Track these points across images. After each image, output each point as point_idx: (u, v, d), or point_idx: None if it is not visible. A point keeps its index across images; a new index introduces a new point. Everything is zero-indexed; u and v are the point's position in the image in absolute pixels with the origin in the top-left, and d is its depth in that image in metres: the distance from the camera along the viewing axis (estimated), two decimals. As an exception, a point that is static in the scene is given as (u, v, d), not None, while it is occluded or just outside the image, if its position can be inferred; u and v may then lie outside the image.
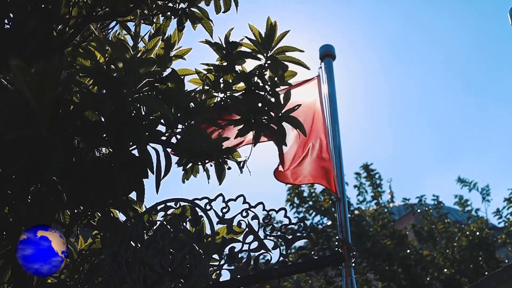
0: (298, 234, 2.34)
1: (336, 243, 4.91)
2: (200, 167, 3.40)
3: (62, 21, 3.14)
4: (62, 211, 2.85)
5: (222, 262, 2.41)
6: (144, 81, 2.50)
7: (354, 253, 4.79)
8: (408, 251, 12.44)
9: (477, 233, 12.10)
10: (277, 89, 3.28)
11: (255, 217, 2.44)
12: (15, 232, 2.63)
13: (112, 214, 2.74)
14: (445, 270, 11.98)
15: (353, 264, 4.72)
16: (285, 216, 2.39)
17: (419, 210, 14.01)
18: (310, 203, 13.67)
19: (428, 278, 12.28)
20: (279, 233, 2.39)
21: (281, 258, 2.33)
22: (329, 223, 13.20)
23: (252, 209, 2.46)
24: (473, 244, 11.95)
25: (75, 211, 2.72)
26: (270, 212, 2.49)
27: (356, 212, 13.53)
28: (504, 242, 12.39)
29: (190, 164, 3.38)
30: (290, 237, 2.35)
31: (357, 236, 12.74)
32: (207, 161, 3.40)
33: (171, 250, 2.42)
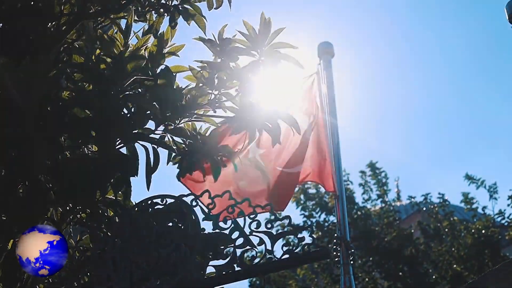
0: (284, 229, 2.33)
1: (335, 240, 4.94)
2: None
3: (53, 19, 3.14)
4: (54, 209, 2.86)
5: (208, 258, 2.40)
6: (133, 78, 2.50)
7: (352, 251, 4.81)
8: (414, 249, 12.39)
9: (483, 231, 12.05)
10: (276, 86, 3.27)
11: (241, 213, 2.43)
12: (5, 231, 2.63)
13: (100, 211, 2.73)
14: (455, 266, 11.93)
15: (352, 262, 4.75)
16: (271, 212, 2.38)
17: (424, 208, 13.96)
18: (317, 199, 13.66)
19: (434, 276, 12.25)
20: (264, 229, 2.38)
21: (267, 254, 2.32)
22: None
23: (238, 205, 2.45)
24: (479, 242, 11.90)
25: (67, 208, 2.72)
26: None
27: (362, 210, 13.47)
28: (511, 239, 12.36)
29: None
30: (275, 233, 2.34)
31: (362, 235, 12.73)
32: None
33: (157, 247, 2.41)
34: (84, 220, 2.75)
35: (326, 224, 13.54)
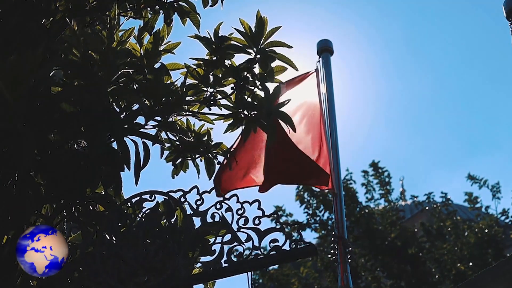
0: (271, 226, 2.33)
1: (332, 239, 4.94)
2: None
3: (47, 15, 3.14)
4: (49, 205, 2.87)
5: (196, 254, 2.41)
6: (121, 73, 2.51)
7: (350, 249, 4.80)
8: (417, 248, 12.39)
9: (486, 231, 12.04)
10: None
11: (229, 209, 2.44)
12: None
13: (91, 207, 2.74)
14: (458, 264, 11.92)
15: (349, 260, 4.74)
16: (259, 208, 2.39)
17: (427, 208, 13.96)
18: (321, 197, 13.65)
19: (437, 276, 12.24)
20: (252, 225, 2.39)
21: (254, 251, 2.33)
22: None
23: (226, 201, 2.46)
24: (482, 241, 11.89)
25: (59, 204, 2.73)
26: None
27: (365, 209, 13.47)
28: (515, 238, 12.39)
29: (179, 160, 3.41)
30: (263, 229, 2.34)
31: (366, 233, 12.74)
32: (196, 156, 3.42)
33: (145, 243, 2.42)
34: (75, 216, 2.75)
35: (330, 222, 13.54)
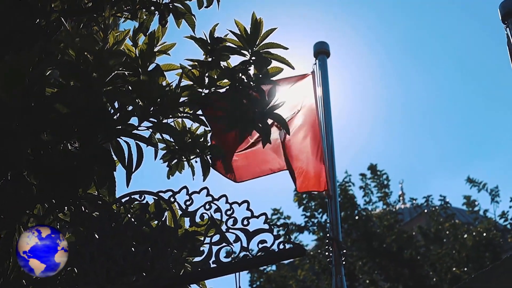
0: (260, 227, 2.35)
1: (327, 241, 4.96)
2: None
3: (43, 16, 3.16)
4: (41, 205, 2.88)
5: (184, 255, 2.42)
6: (116, 74, 2.52)
7: (344, 251, 4.82)
8: (414, 252, 12.40)
9: (484, 234, 12.04)
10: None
11: (218, 209, 2.45)
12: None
13: (83, 208, 2.75)
14: (454, 269, 11.92)
15: (343, 263, 4.75)
16: (248, 209, 2.40)
17: (426, 211, 13.98)
18: (319, 200, 13.65)
19: (434, 279, 12.25)
20: (241, 226, 2.40)
21: (242, 251, 2.34)
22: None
23: (215, 202, 2.47)
24: (480, 245, 11.90)
25: (50, 204, 2.74)
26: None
27: (363, 212, 13.47)
28: (514, 242, 12.40)
29: (175, 160, 3.42)
30: (251, 230, 2.35)
31: (364, 236, 12.74)
32: (192, 157, 3.43)
33: (134, 243, 2.43)
34: (66, 216, 2.76)
35: (328, 224, 13.50)
